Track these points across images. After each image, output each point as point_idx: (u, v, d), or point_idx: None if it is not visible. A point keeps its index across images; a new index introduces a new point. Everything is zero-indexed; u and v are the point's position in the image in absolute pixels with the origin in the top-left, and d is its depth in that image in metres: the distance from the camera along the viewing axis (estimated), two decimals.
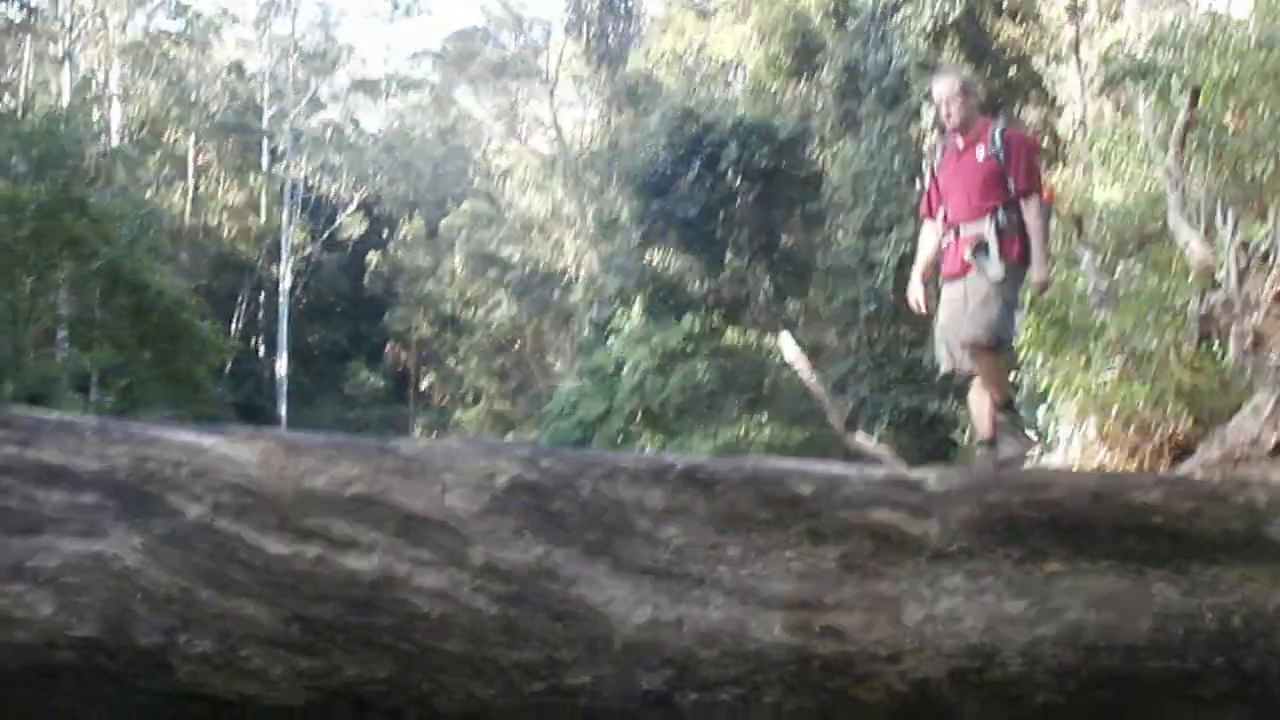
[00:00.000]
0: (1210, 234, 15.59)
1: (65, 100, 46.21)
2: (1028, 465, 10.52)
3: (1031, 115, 33.64)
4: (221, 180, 63.01)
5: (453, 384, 61.12)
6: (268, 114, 64.29)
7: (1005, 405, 9.60)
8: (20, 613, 3.86)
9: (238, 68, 65.32)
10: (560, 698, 4.28)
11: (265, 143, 64.13)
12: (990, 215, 9.52)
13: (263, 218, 63.06)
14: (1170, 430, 14.44)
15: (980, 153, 9.69)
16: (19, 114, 35.07)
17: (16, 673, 3.87)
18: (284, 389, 58.50)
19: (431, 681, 4.18)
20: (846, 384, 35.13)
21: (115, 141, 50.21)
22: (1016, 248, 9.51)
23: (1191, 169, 17.96)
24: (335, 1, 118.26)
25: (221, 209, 62.37)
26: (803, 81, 43.81)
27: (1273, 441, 9.70)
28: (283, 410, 56.92)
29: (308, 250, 62.79)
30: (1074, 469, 13.77)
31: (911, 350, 32.76)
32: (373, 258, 63.92)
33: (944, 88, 9.96)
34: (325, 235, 63.75)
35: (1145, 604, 4.80)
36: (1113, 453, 14.95)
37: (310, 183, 65.18)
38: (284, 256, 61.57)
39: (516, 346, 59.16)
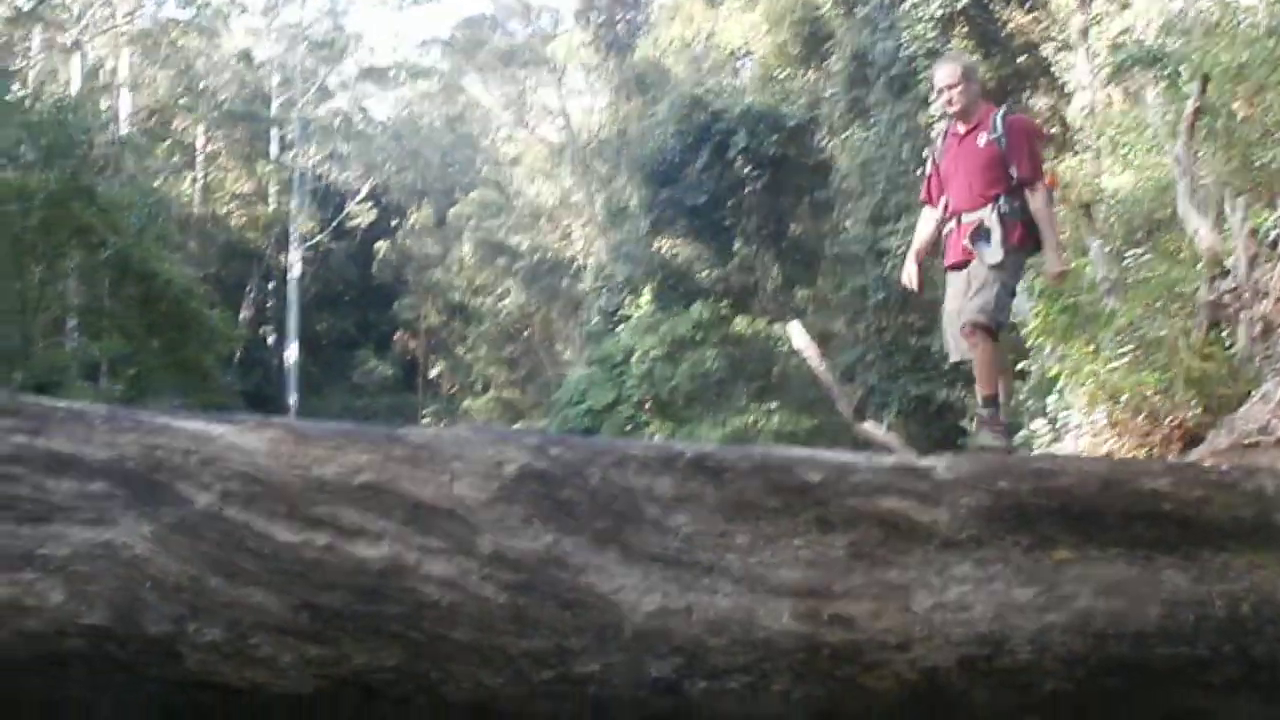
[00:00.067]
0: (1219, 221, 15.58)
1: (74, 89, 46.22)
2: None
3: (1040, 103, 33.60)
4: (230, 169, 63.00)
5: (461, 372, 61.15)
6: (276, 102, 64.24)
7: (988, 401, 9.54)
8: (30, 601, 3.86)
9: (246, 56, 65.24)
10: (569, 686, 4.28)
11: (274, 131, 64.12)
12: (992, 203, 9.50)
13: (271, 206, 63.09)
14: (1180, 418, 14.42)
15: (981, 139, 9.67)
16: (28, 102, 35.01)
17: (26, 661, 3.88)
18: (293, 377, 58.55)
19: (440, 670, 4.18)
20: (855, 372, 35.12)
21: (124, 130, 50.19)
22: (1018, 234, 9.50)
23: (1201, 156, 17.94)
24: None
25: (230, 198, 62.37)
26: (811, 69, 43.74)
27: None
28: (291, 399, 56.96)
29: (316, 239, 62.75)
30: (1083, 456, 13.75)
31: (920, 338, 32.73)
32: (381, 246, 63.89)
33: (945, 74, 9.95)
34: (334, 224, 63.68)
35: (1154, 591, 4.80)
36: (1122, 440, 14.94)
37: (319, 171, 65.15)
38: (292, 245, 61.59)
39: (525, 335, 59.18)
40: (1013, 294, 9.82)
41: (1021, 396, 18.62)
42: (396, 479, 4.40)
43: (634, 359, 38.31)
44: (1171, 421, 14.56)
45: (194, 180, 59.81)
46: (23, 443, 4.13)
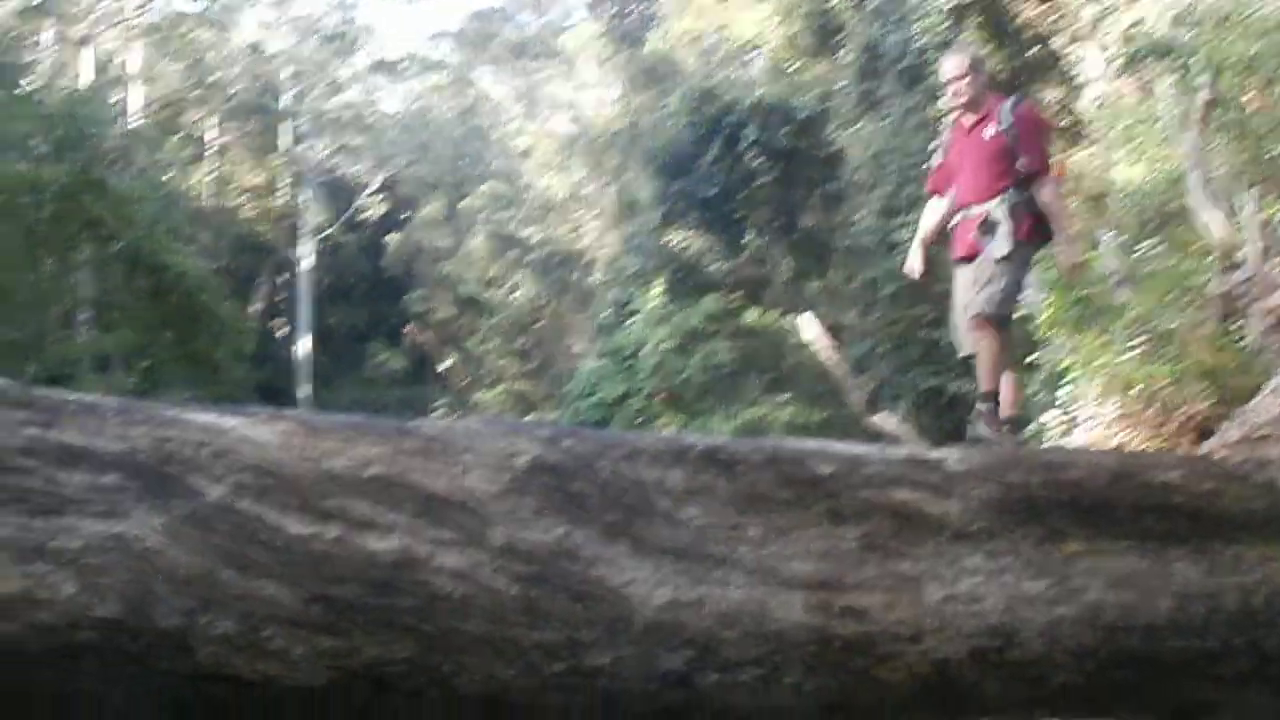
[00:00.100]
0: (1232, 213, 15.54)
1: (85, 82, 46.25)
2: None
3: (1052, 95, 33.52)
4: (241, 162, 63.02)
5: (473, 365, 61.09)
6: (287, 95, 64.24)
7: (988, 397, 9.49)
8: (42, 594, 3.87)
9: (257, 49, 65.21)
10: (581, 678, 4.29)
11: (285, 124, 64.11)
12: (1000, 195, 9.46)
13: (282, 199, 63.09)
14: (1191, 410, 14.41)
15: (989, 131, 9.63)
16: (39, 96, 35.05)
17: (38, 654, 3.88)
18: (304, 370, 58.55)
19: (452, 662, 4.19)
20: (866, 364, 35.06)
21: (135, 123, 50.25)
22: (1026, 226, 9.46)
23: (1213, 148, 17.90)
24: None
25: (241, 191, 62.37)
26: (822, 61, 43.67)
27: None
28: (302, 391, 56.97)
29: (327, 232, 62.74)
30: (1094, 449, 13.74)
31: (932, 331, 32.62)
32: (392, 239, 63.85)
33: (952, 66, 9.93)
34: (345, 217, 63.65)
35: (1165, 584, 4.81)
36: (1134, 433, 14.93)
37: (330, 164, 65.15)
38: (303, 238, 61.59)
39: (536, 327, 59.12)
40: (1021, 287, 9.79)
41: (1033, 389, 18.60)
42: (408, 471, 4.41)
43: (645, 351, 38.26)
44: (1183, 414, 14.54)
45: (205, 173, 59.83)
46: (35, 435, 4.14)
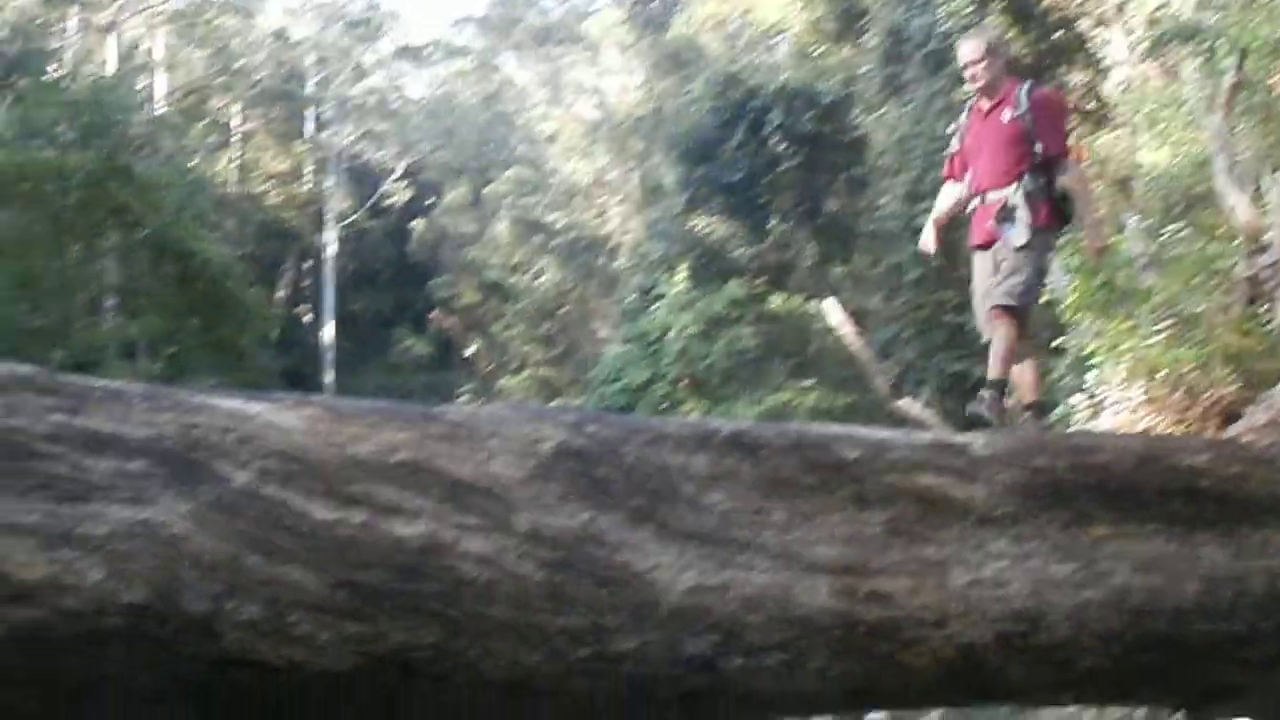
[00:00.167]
0: (1257, 197, 15.49)
1: (110, 69, 46.35)
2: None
3: (1077, 78, 33.43)
4: (266, 148, 63.11)
5: (497, 350, 61.11)
6: (312, 81, 64.33)
7: (994, 384, 9.42)
8: (69, 580, 3.87)
9: (282, 35, 65.28)
10: (606, 663, 4.29)
11: (310, 110, 64.24)
12: (1017, 180, 9.41)
13: (307, 185, 63.19)
14: (1217, 394, 14.36)
15: (1006, 115, 9.57)
16: (65, 83, 35.13)
17: (66, 640, 3.89)
18: (329, 356, 58.66)
19: (478, 647, 4.19)
20: (891, 349, 35.01)
21: (160, 110, 50.34)
22: (1044, 212, 9.40)
23: (1239, 131, 17.84)
24: None
25: (266, 177, 62.45)
26: (847, 46, 43.61)
27: None
28: (328, 377, 57.08)
29: (352, 217, 62.82)
30: (1120, 433, 13.71)
31: (956, 315, 32.55)
32: (417, 225, 63.90)
33: (969, 50, 9.86)
34: (370, 202, 63.74)
35: (1192, 567, 4.80)
36: (1160, 416, 14.89)
37: (354, 150, 65.25)
38: (328, 224, 61.69)
39: (561, 312, 59.12)
40: (1043, 276, 9.73)
41: (1059, 373, 18.57)
42: (434, 457, 4.41)
43: (670, 336, 38.25)
44: (1209, 397, 14.50)
45: (230, 160, 59.90)
46: (61, 421, 4.14)
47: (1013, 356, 9.36)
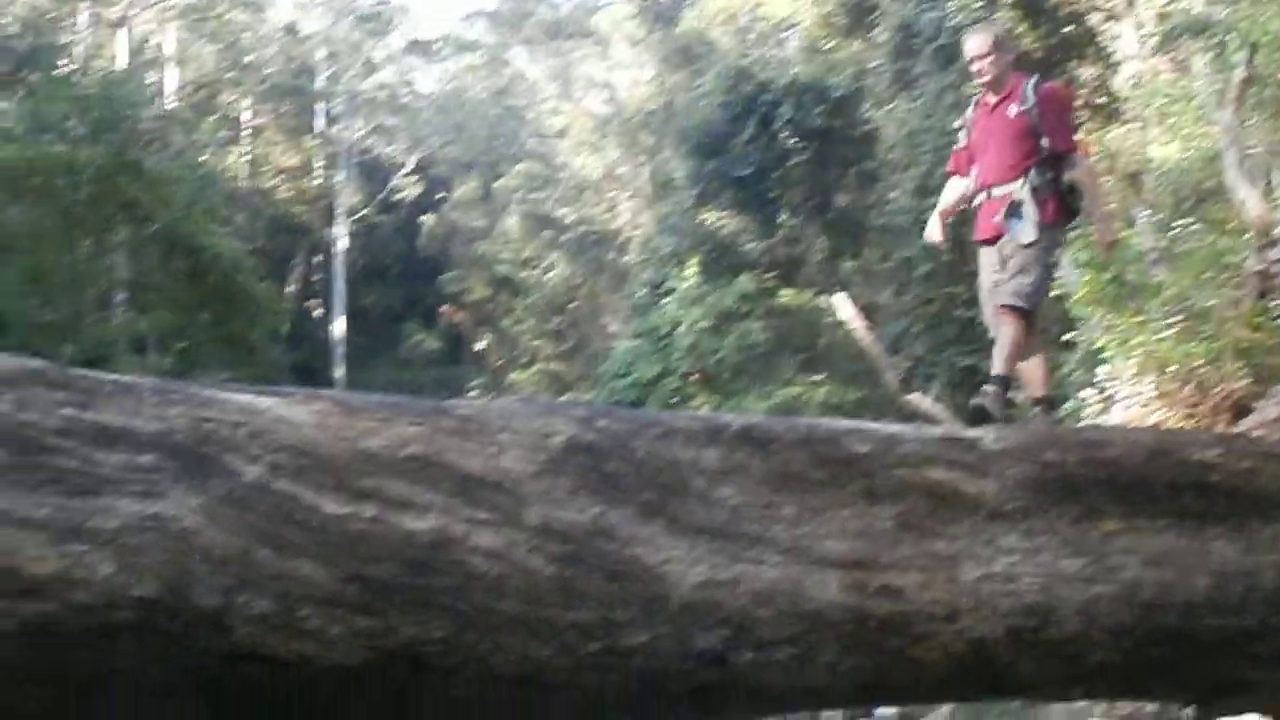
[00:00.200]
0: (1268, 191, 15.47)
1: (120, 64, 46.37)
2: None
3: (1087, 73, 33.40)
4: (276, 143, 63.13)
5: (508, 345, 61.09)
6: (322, 76, 64.33)
7: (998, 379, 9.37)
8: (80, 573, 3.88)
9: (292, 30, 65.26)
10: (616, 658, 4.30)
11: (320, 105, 64.23)
12: (1024, 175, 9.38)
13: (317, 180, 63.20)
14: (1228, 388, 14.35)
15: (1012, 110, 9.54)
16: (75, 78, 35.14)
17: (77, 633, 3.89)
18: (339, 351, 58.67)
19: (488, 641, 4.20)
20: (901, 343, 35.02)
21: (170, 105, 50.38)
22: (1051, 208, 9.37)
23: (1249, 126, 17.81)
24: None
25: (276, 172, 62.47)
26: (857, 40, 43.60)
27: None
28: (338, 372, 57.09)
29: (362, 212, 62.82)
30: (1131, 427, 13.70)
31: (966, 309, 32.51)
32: (427, 219, 63.87)
33: (975, 44, 9.83)
34: (380, 197, 63.72)
35: (1203, 562, 4.79)
36: (1170, 411, 14.88)
37: (365, 145, 65.24)
38: (339, 219, 61.70)
39: (572, 307, 59.09)
40: (1051, 273, 9.70)
41: (1069, 367, 18.55)
42: (444, 451, 4.41)
43: (680, 331, 38.26)
44: (1220, 392, 14.49)
45: (240, 155, 59.93)
46: (72, 415, 4.14)
47: (1018, 353, 9.33)
